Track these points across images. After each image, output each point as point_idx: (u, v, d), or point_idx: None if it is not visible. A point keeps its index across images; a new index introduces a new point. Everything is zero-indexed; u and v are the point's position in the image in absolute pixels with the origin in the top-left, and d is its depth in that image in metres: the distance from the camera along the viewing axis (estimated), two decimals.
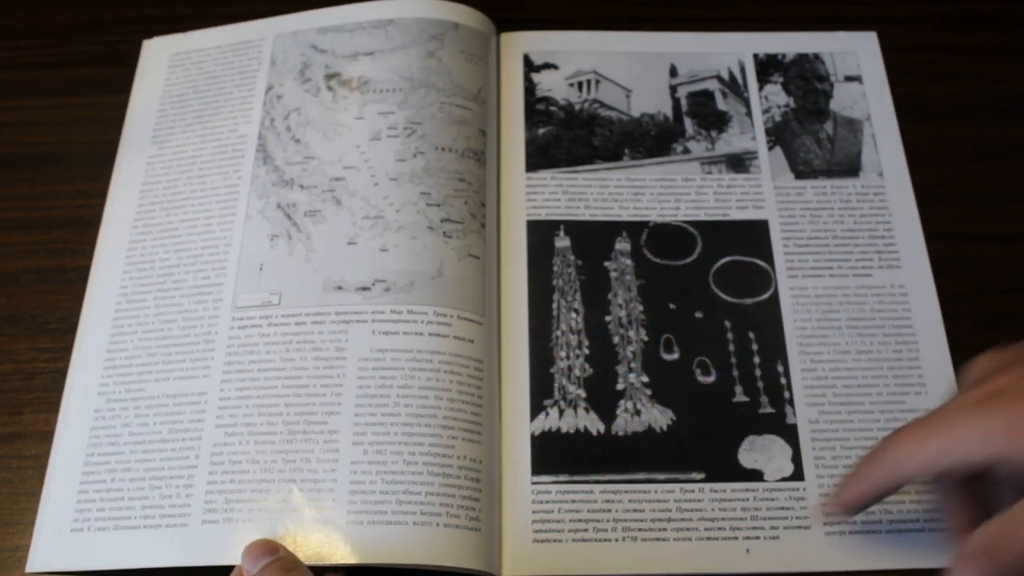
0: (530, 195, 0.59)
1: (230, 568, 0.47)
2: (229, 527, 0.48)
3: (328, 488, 0.48)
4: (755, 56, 0.65)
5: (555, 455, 0.52)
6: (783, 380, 0.54)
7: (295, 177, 0.58)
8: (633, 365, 0.54)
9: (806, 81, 0.64)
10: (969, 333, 0.55)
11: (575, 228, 0.58)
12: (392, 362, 0.51)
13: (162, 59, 0.65)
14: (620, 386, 0.54)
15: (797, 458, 0.52)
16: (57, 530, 0.49)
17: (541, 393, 0.53)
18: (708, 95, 0.64)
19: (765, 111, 0.63)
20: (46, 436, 0.52)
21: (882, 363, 0.54)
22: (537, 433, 0.52)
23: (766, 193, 0.60)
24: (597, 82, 0.64)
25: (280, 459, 0.49)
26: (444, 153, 0.57)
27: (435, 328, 0.52)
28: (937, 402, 0.53)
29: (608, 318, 0.56)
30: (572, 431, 0.52)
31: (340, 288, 0.53)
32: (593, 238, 0.58)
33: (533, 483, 0.51)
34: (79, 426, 0.52)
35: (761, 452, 0.52)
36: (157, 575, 0.48)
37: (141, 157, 0.61)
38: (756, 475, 0.51)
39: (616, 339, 0.55)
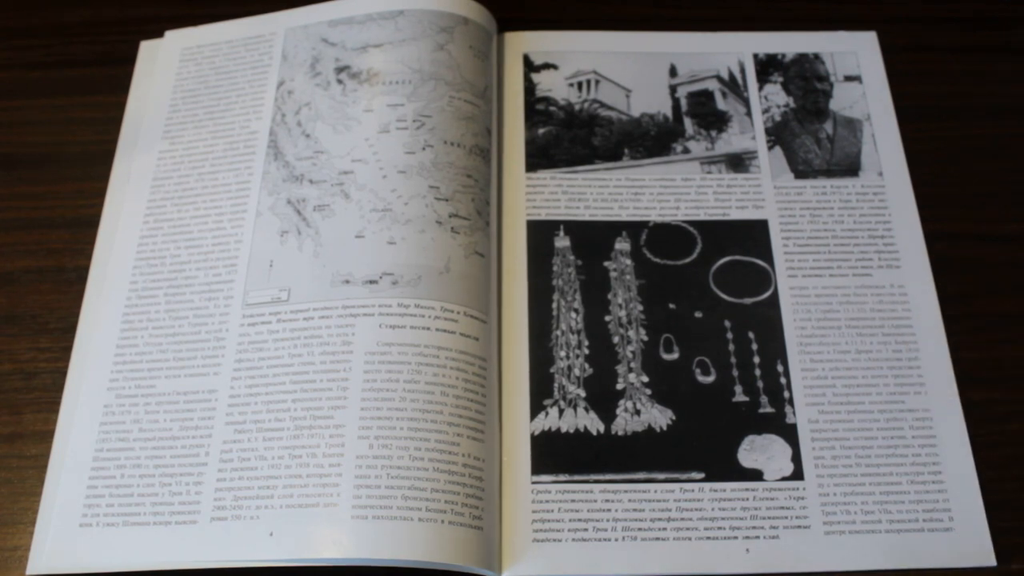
0: (530, 195, 0.59)
1: (235, 568, 0.47)
2: (237, 524, 0.48)
3: (333, 483, 0.48)
4: (755, 56, 0.65)
5: (555, 455, 0.52)
6: (783, 380, 0.54)
7: (305, 172, 0.58)
8: (633, 365, 0.54)
9: (806, 81, 0.64)
10: (969, 333, 0.55)
11: (575, 228, 0.58)
12: (399, 356, 0.51)
13: (173, 54, 0.65)
14: (620, 386, 0.54)
15: (797, 458, 0.52)
16: (64, 525, 0.49)
17: (541, 393, 0.53)
18: (708, 95, 0.64)
19: (765, 111, 0.63)
20: (46, 436, 0.53)
21: (881, 363, 0.54)
22: (537, 433, 0.52)
23: (766, 193, 0.60)
24: (597, 82, 0.64)
25: (287, 455, 0.49)
26: (453, 148, 0.57)
27: (442, 324, 0.52)
28: (936, 403, 0.53)
29: (608, 318, 0.56)
30: (572, 431, 0.52)
31: (348, 282, 0.53)
32: (593, 238, 0.58)
33: (533, 483, 0.51)
34: (87, 421, 0.52)
35: (761, 452, 0.52)
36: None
37: (152, 152, 0.61)
38: (756, 475, 0.51)
39: (616, 339, 0.55)
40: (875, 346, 0.54)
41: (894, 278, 0.57)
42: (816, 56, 0.65)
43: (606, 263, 0.57)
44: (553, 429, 0.52)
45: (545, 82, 0.64)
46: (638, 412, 0.53)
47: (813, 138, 0.62)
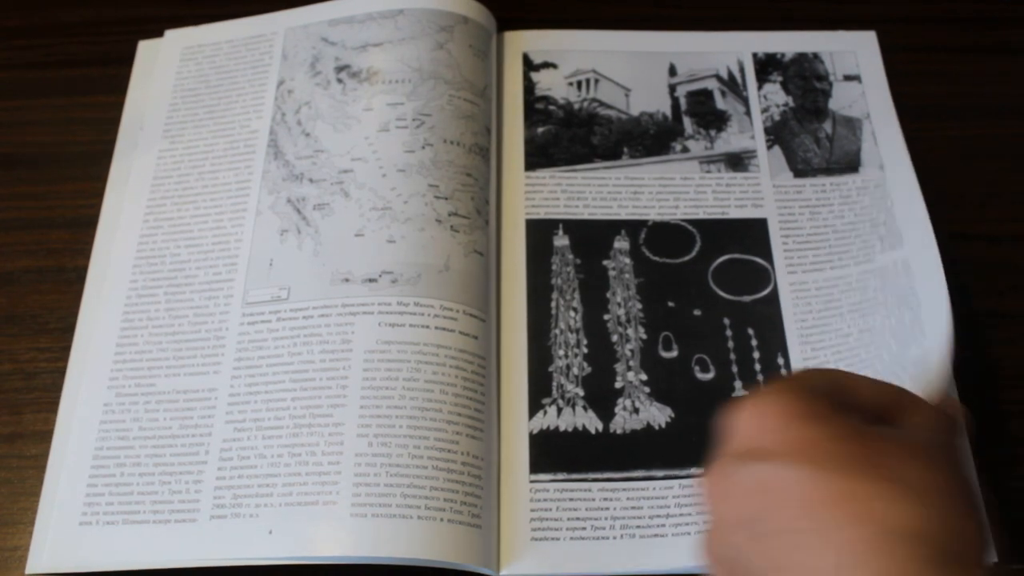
0: (529, 194, 0.59)
1: (234, 567, 0.47)
2: (236, 523, 0.48)
3: (332, 481, 0.48)
4: (754, 55, 0.65)
5: (553, 453, 0.51)
6: (784, 373, 0.54)
7: (305, 171, 0.58)
8: (632, 363, 0.54)
9: (805, 80, 0.64)
10: (969, 333, 0.55)
11: (574, 227, 0.58)
12: (398, 354, 0.51)
13: (173, 53, 0.65)
14: (619, 384, 0.54)
15: None
16: (64, 524, 0.49)
17: (540, 391, 0.53)
18: (707, 94, 0.64)
19: (764, 110, 0.63)
20: (46, 436, 0.52)
21: (884, 335, 0.53)
22: (535, 431, 0.52)
23: (765, 192, 0.60)
24: (596, 81, 0.64)
25: (286, 453, 0.49)
26: (452, 147, 0.57)
27: (441, 322, 0.52)
28: (936, 388, 0.52)
29: (607, 316, 0.56)
30: (570, 429, 0.52)
31: (347, 280, 0.53)
32: (592, 237, 0.58)
33: (531, 481, 0.51)
34: (87, 420, 0.52)
35: None
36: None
37: (152, 152, 0.61)
38: None
39: (615, 337, 0.55)
40: (877, 321, 0.54)
41: (897, 256, 0.55)
42: (815, 55, 0.65)
43: (605, 262, 0.57)
44: (552, 428, 0.52)
45: (544, 81, 0.64)
46: (637, 410, 0.53)
47: (812, 137, 0.62)
